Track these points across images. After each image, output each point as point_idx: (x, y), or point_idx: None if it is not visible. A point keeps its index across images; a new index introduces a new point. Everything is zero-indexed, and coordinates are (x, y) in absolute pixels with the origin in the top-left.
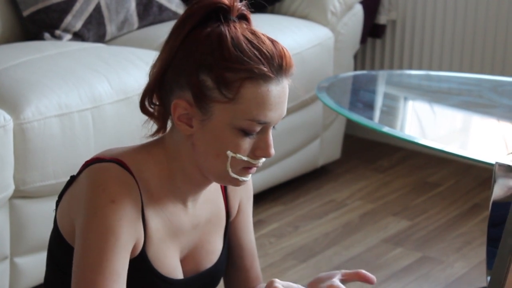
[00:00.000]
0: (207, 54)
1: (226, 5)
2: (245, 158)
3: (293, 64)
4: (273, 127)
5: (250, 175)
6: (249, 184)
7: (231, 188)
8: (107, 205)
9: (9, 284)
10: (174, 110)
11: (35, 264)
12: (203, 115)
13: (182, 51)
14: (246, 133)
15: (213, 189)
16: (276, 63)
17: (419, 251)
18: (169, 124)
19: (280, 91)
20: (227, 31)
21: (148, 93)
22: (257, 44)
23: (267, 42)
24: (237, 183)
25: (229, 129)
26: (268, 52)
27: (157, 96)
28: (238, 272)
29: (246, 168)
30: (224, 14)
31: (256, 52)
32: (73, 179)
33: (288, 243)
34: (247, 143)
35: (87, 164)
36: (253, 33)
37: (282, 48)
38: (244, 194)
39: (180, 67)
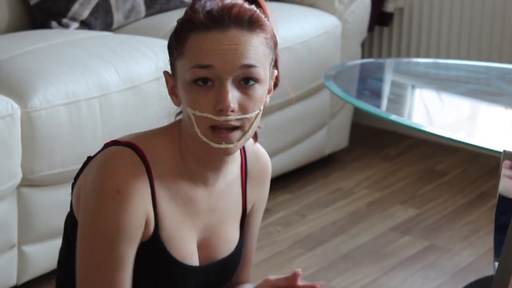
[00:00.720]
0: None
1: None
2: (204, 114)
3: (246, 16)
4: (255, 82)
5: (225, 144)
6: (267, 189)
7: (250, 185)
8: (112, 196)
9: (17, 272)
10: (167, 84)
11: (43, 253)
12: (175, 80)
13: None
14: (197, 82)
15: (234, 178)
16: (217, 14)
17: (426, 240)
18: None
19: (223, 38)
20: None
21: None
22: (209, 1)
23: (222, 0)
24: (213, 151)
25: (185, 86)
26: (211, 4)
27: None
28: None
29: (214, 130)
30: None
31: (199, 6)
32: (89, 159)
33: (295, 231)
34: (203, 97)
35: (106, 146)
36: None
37: (232, 3)
38: (260, 198)
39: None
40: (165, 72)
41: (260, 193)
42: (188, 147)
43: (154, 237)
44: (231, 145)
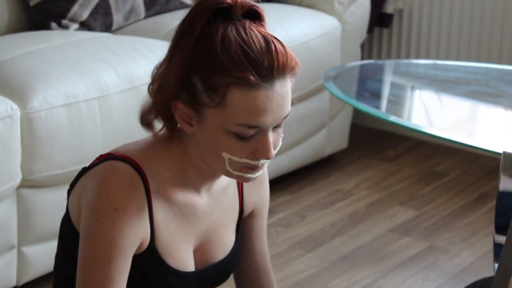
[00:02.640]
0: (198, 57)
1: (228, 3)
2: (242, 160)
3: (290, 63)
4: (280, 125)
5: (258, 173)
6: (267, 191)
7: (246, 187)
8: (109, 213)
9: (16, 273)
10: (175, 111)
11: (43, 254)
12: (198, 116)
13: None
14: (239, 136)
15: (229, 183)
16: (266, 69)
17: (426, 241)
18: None
19: (271, 96)
20: (219, 34)
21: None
22: (247, 47)
23: (260, 43)
24: (243, 179)
25: (221, 132)
26: (257, 57)
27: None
28: (249, 270)
29: (247, 167)
30: (227, 13)
31: (243, 58)
32: (84, 170)
33: (295, 232)
34: (242, 145)
35: (102, 158)
36: (248, 32)
37: (276, 48)
38: (262, 199)
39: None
40: (178, 103)
41: (259, 194)
42: (195, 164)
43: (149, 248)
44: (258, 173)
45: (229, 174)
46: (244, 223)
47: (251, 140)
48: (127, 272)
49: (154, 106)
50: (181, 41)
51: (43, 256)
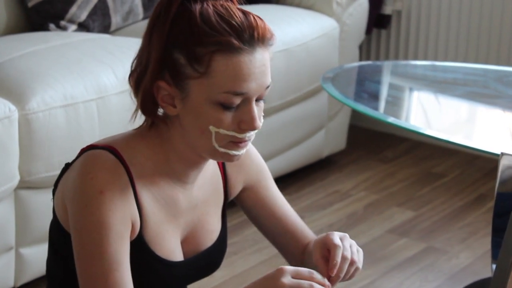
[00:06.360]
0: (178, 33)
1: None
2: (229, 133)
3: (268, 34)
4: (263, 100)
5: (243, 150)
6: (256, 164)
7: (231, 168)
8: (96, 197)
9: (14, 275)
10: (157, 92)
11: (40, 255)
12: (182, 93)
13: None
14: (225, 106)
15: (212, 169)
16: (247, 34)
17: (423, 242)
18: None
19: (254, 61)
20: (197, 8)
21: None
22: (227, 17)
23: (238, 14)
24: (229, 158)
25: (207, 104)
26: (238, 24)
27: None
28: (287, 238)
29: (233, 142)
30: None
31: (224, 25)
32: (67, 166)
33: None
34: (228, 116)
35: (83, 151)
36: (225, 7)
37: (255, 19)
38: (253, 172)
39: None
40: (161, 82)
41: (246, 170)
42: (177, 151)
43: (139, 237)
44: (243, 151)
45: (214, 153)
46: (244, 201)
47: (236, 111)
48: (127, 254)
49: (138, 93)
50: (157, 23)
51: (41, 257)
